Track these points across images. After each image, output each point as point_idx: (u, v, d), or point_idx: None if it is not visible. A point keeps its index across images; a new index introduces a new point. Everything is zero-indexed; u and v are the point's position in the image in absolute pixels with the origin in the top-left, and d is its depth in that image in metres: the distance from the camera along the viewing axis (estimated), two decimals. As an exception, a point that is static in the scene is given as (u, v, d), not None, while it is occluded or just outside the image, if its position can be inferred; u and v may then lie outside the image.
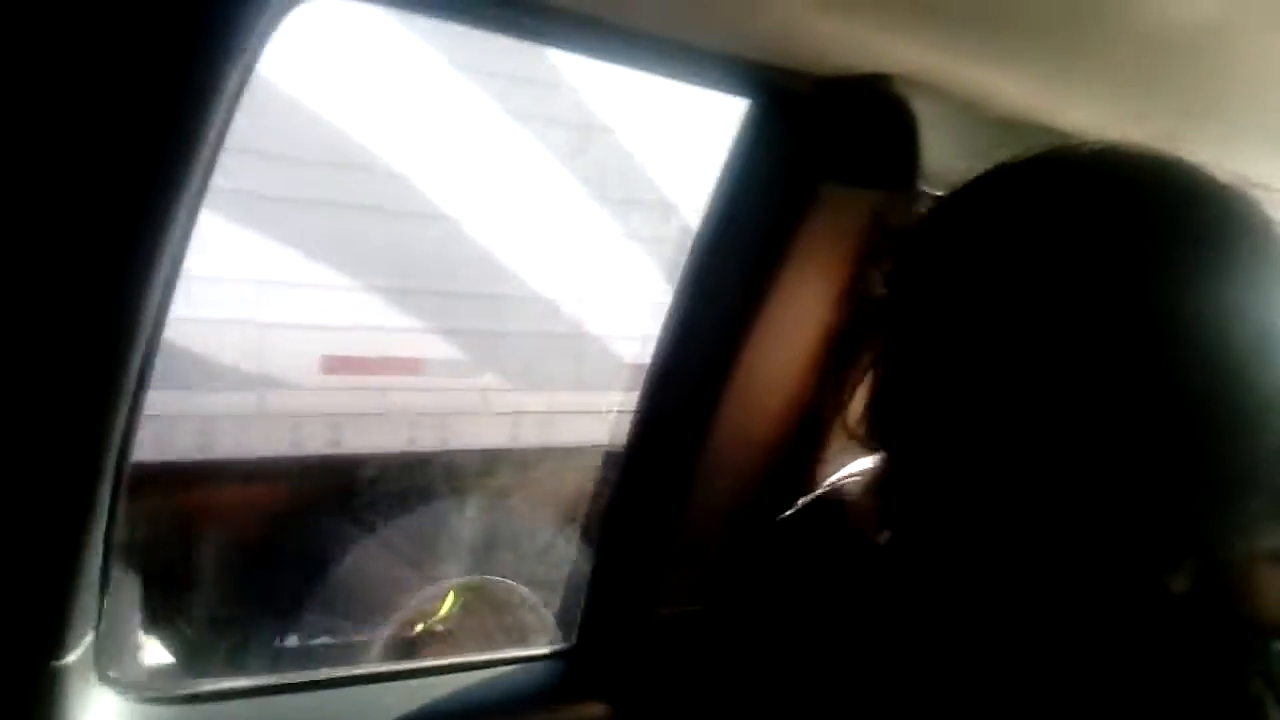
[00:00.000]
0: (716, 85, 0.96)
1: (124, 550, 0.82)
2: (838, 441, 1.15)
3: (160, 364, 0.73)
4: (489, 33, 0.85)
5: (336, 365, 3.52)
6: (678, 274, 1.12)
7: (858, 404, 0.76)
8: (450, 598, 3.51)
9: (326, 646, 3.31)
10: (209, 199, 0.70)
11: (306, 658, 3.25)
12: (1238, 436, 0.55)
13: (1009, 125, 0.98)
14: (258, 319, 3.35)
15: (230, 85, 0.64)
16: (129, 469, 0.77)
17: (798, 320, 1.12)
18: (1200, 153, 1.14)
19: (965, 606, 0.63)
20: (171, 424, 3.15)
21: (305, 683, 1.05)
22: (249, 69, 0.65)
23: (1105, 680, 0.59)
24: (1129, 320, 0.54)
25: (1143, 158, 0.62)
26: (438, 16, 0.77)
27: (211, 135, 0.65)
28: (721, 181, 1.08)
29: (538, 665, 1.18)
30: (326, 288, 3.44)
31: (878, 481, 0.77)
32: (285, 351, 3.43)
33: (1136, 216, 0.57)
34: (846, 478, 0.90)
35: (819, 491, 0.90)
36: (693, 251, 1.11)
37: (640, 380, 1.17)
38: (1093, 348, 0.55)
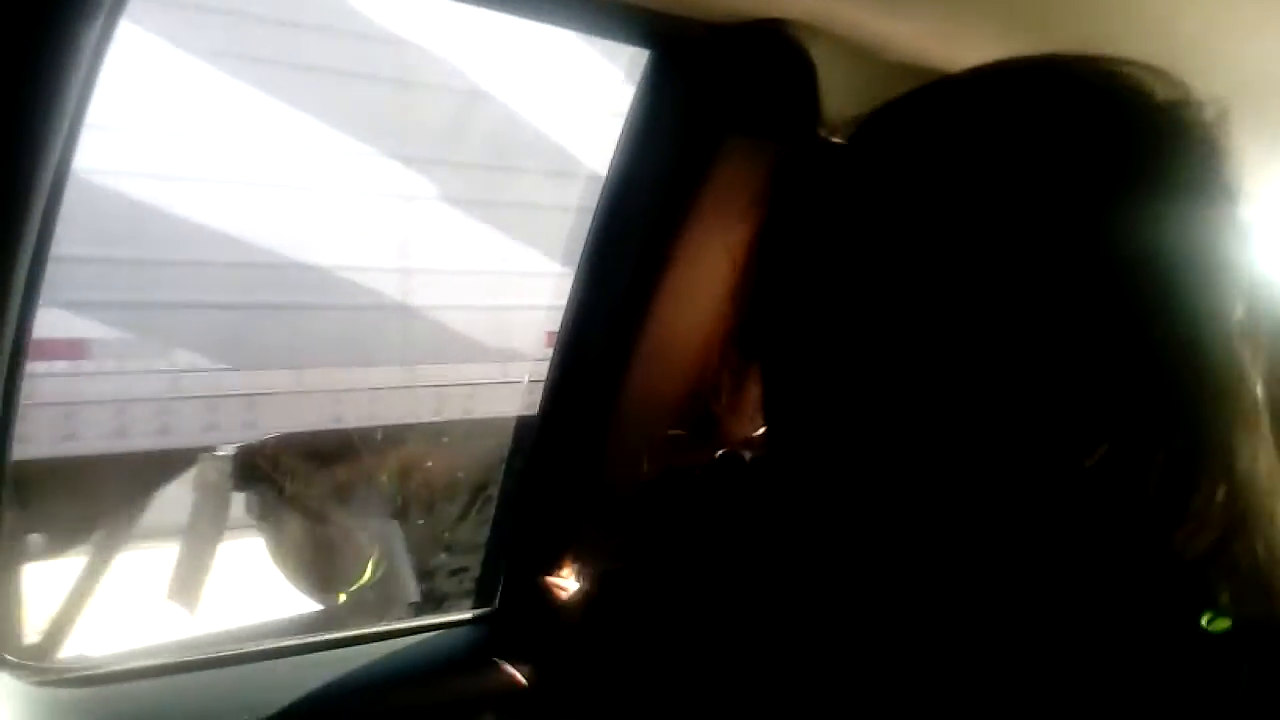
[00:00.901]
0: (613, 34, 0.94)
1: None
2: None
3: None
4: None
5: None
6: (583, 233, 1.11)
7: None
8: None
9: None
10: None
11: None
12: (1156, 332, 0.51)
13: (906, 69, 0.98)
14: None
15: (82, 65, 0.61)
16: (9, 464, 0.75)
17: (707, 271, 1.11)
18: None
19: (871, 521, 0.59)
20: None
21: (215, 659, 1.03)
22: (99, 56, 0.62)
23: (1018, 588, 0.56)
24: (1040, 220, 0.50)
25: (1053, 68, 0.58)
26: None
27: (68, 116, 0.62)
28: (625, 134, 1.06)
29: (459, 630, 1.17)
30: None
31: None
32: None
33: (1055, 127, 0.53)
34: (752, 438, 0.89)
35: (719, 454, 0.89)
36: (599, 206, 1.10)
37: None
38: (995, 244, 0.51)
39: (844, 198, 0.58)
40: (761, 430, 0.85)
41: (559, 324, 1.15)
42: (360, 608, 3.77)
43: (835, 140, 0.75)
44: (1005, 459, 0.53)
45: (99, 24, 0.65)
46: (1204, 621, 0.55)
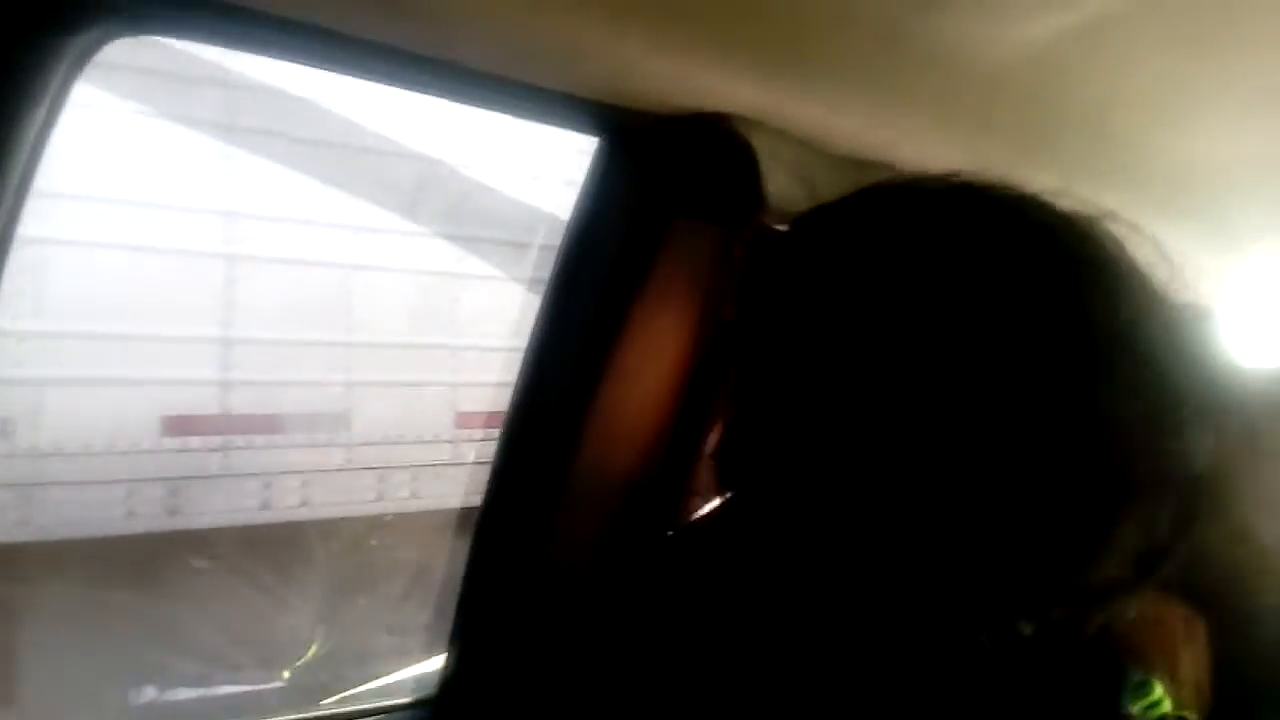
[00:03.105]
0: (562, 124, 0.96)
1: None
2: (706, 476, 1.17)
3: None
4: (330, 71, 0.84)
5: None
6: (532, 311, 1.12)
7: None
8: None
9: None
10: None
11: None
12: (1089, 481, 0.53)
13: (847, 161, 1.01)
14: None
15: (34, 125, 0.61)
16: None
17: (656, 353, 1.12)
18: (1033, 181, 1.20)
19: (813, 652, 0.62)
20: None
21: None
22: (56, 107, 0.63)
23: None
24: (971, 351, 0.53)
25: (976, 188, 0.62)
26: (265, 54, 0.75)
27: (14, 180, 0.62)
28: (575, 216, 1.08)
29: (399, 716, 1.15)
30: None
31: (721, 521, 0.76)
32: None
33: (974, 245, 0.56)
34: (712, 512, 0.91)
35: (673, 531, 0.91)
36: (550, 281, 1.11)
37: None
38: (935, 379, 0.53)
39: (795, 289, 0.60)
40: (710, 508, 0.87)
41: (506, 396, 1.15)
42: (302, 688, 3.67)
43: (778, 228, 0.79)
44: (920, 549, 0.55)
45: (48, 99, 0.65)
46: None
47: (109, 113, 3.28)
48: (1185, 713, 0.62)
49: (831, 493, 0.57)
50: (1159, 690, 0.61)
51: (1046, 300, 0.54)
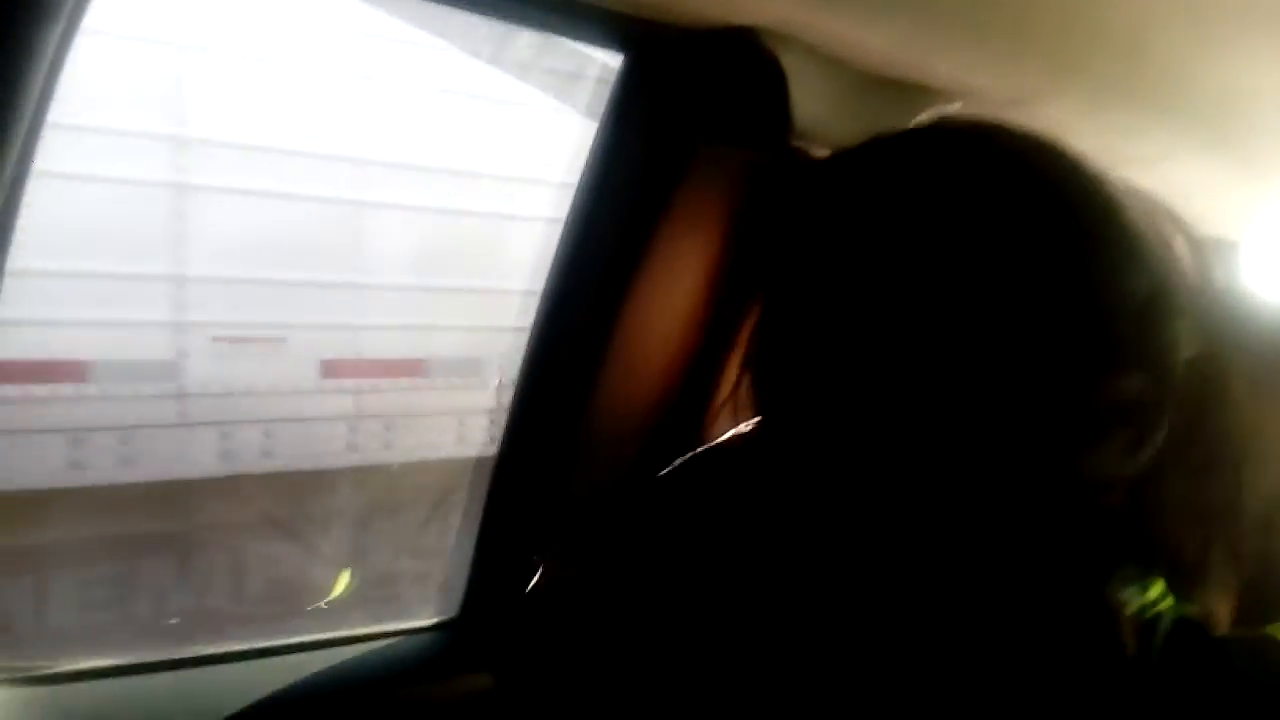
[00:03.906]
0: (585, 37, 0.94)
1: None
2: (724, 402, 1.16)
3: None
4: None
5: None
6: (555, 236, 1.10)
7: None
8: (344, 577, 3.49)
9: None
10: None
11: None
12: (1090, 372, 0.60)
13: (877, 79, 0.99)
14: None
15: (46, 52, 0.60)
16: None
17: (679, 278, 1.11)
18: (1064, 108, 1.17)
19: (855, 508, 0.65)
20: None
21: (175, 660, 1.01)
22: (69, 35, 0.61)
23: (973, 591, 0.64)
24: (990, 286, 0.60)
25: (1015, 138, 0.67)
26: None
27: (28, 106, 0.61)
28: (597, 137, 1.06)
29: (420, 637, 1.15)
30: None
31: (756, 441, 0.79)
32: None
33: (999, 197, 0.62)
34: (731, 437, 0.91)
35: (697, 451, 0.91)
36: (570, 210, 1.10)
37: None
38: (958, 311, 0.60)
39: (832, 222, 0.66)
40: (745, 426, 0.87)
41: (529, 324, 1.14)
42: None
43: (811, 153, 0.81)
44: (973, 453, 0.61)
45: (60, 26, 0.64)
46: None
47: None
48: (1191, 609, 0.64)
49: (862, 398, 0.62)
50: (1158, 588, 0.64)
51: (1042, 224, 0.62)
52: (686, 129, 1.00)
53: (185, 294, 3.77)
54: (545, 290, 1.12)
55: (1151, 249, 0.64)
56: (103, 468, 3.65)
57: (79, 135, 3.30)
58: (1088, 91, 1.14)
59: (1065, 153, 0.66)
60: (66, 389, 3.59)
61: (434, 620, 1.18)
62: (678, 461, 0.89)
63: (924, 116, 1.04)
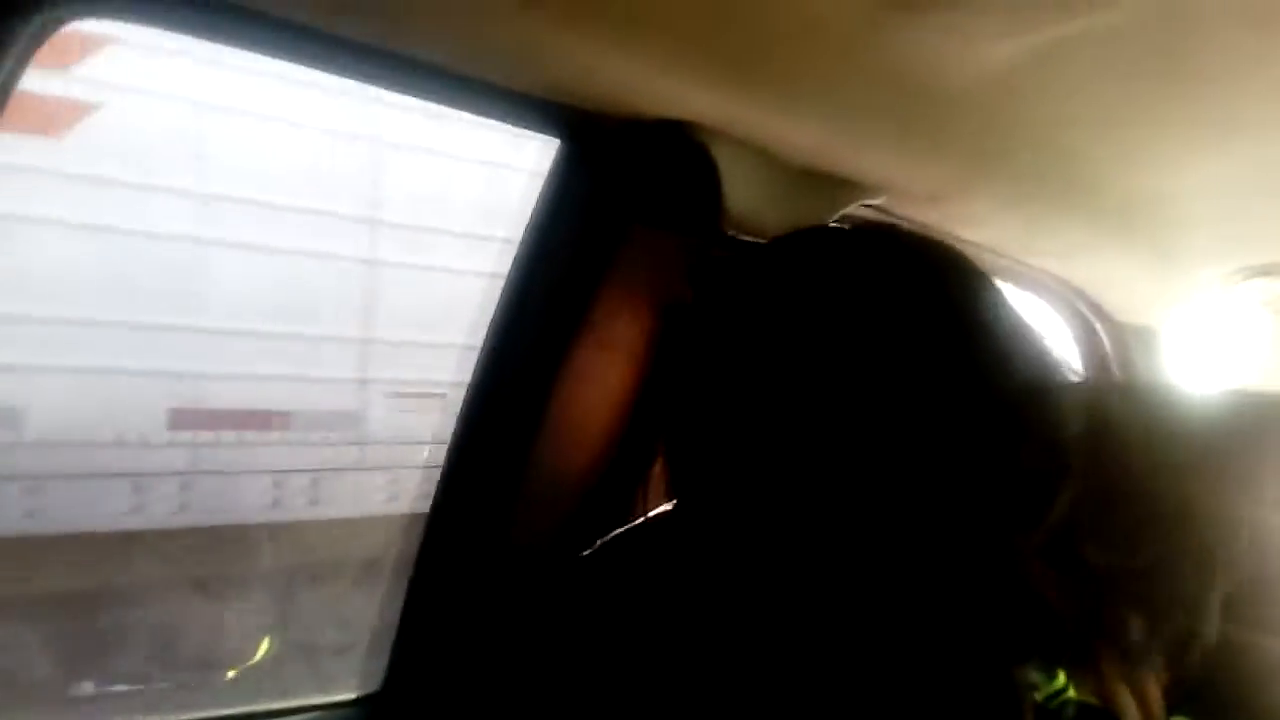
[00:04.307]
0: (522, 123, 0.96)
1: None
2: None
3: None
4: (286, 62, 0.83)
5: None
6: (489, 312, 1.11)
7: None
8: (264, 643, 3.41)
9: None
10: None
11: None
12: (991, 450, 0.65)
13: (805, 172, 1.02)
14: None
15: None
16: None
17: (611, 358, 1.13)
18: (983, 203, 1.22)
19: (768, 570, 0.68)
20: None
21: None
22: (6, 89, 0.62)
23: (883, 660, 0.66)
24: (878, 359, 0.65)
25: (914, 242, 0.75)
26: (219, 42, 0.74)
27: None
28: (533, 219, 1.08)
29: (342, 712, 1.14)
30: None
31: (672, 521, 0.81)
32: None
33: (897, 296, 0.68)
34: (652, 517, 0.93)
35: (620, 531, 0.92)
36: (507, 280, 1.11)
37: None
38: (857, 396, 0.65)
39: (757, 309, 0.71)
40: (665, 507, 0.89)
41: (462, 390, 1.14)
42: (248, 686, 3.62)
43: (738, 238, 0.85)
44: (876, 530, 0.64)
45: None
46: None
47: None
48: (1094, 699, 0.67)
49: (771, 490, 0.66)
50: (1061, 679, 0.67)
51: (935, 316, 0.68)
52: (620, 211, 1.03)
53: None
54: (482, 351, 1.13)
55: (1033, 337, 0.70)
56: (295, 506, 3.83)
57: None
58: (1006, 187, 1.18)
59: (958, 257, 0.72)
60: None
61: (356, 694, 1.16)
62: (601, 541, 0.90)
63: (848, 209, 1.07)
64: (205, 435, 3.90)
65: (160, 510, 3.80)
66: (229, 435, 3.94)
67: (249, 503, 3.95)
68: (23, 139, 3.40)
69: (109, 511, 3.68)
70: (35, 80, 3.32)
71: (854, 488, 0.64)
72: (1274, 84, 0.96)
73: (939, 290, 0.69)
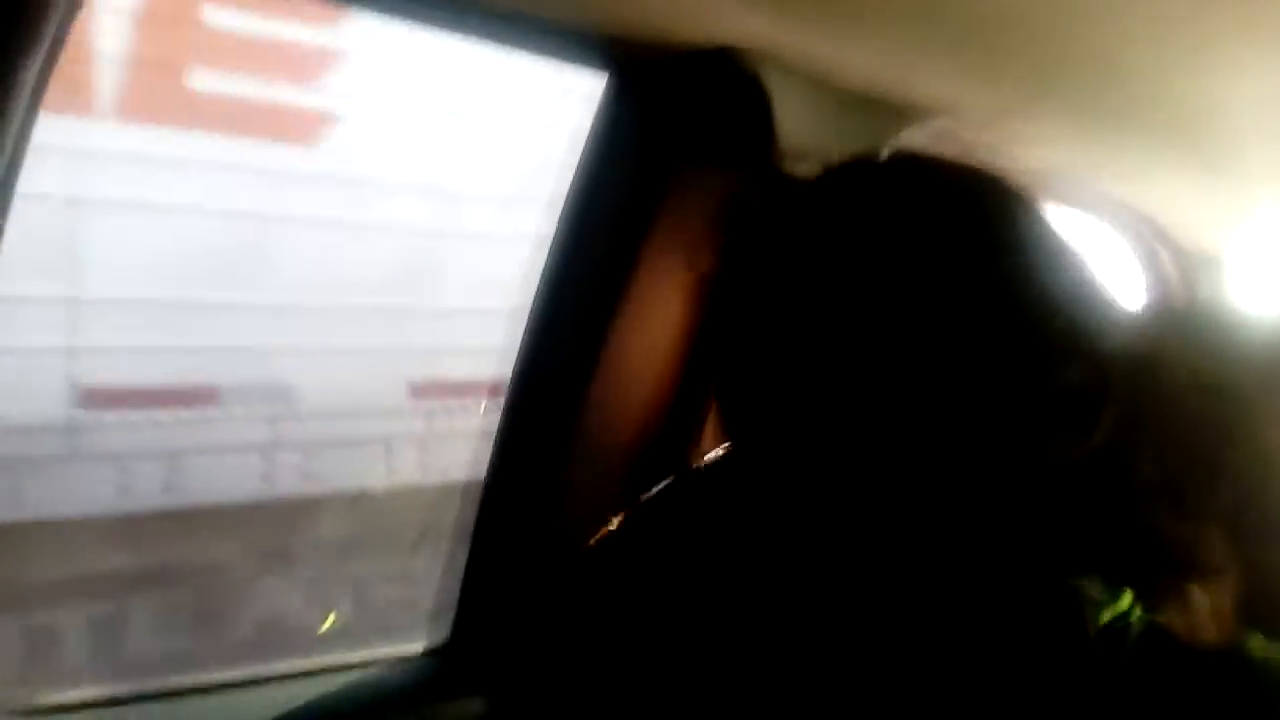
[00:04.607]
0: (569, 59, 0.94)
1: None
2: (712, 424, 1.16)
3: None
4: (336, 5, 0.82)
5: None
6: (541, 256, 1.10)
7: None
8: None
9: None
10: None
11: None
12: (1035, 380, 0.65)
13: (859, 98, 1.00)
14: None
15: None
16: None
17: (664, 299, 1.11)
18: (1043, 123, 1.18)
19: (828, 519, 0.68)
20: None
21: (162, 692, 1.00)
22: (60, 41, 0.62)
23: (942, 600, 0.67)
24: (930, 302, 0.64)
25: (963, 173, 0.73)
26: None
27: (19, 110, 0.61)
28: (582, 158, 1.06)
29: (411, 664, 1.14)
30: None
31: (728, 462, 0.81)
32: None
33: (941, 228, 0.67)
34: (707, 461, 0.92)
35: (677, 476, 0.92)
36: (557, 230, 1.10)
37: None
38: (904, 325, 0.64)
39: (789, 251, 0.70)
40: (719, 450, 0.88)
41: (515, 346, 1.14)
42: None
43: (790, 177, 0.84)
44: (930, 452, 0.65)
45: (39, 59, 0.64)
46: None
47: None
48: (1160, 618, 0.68)
49: (822, 424, 0.66)
50: (1127, 599, 0.68)
51: (974, 248, 0.67)
52: (670, 150, 1.01)
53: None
54: (531, 310, 1.12)
55: (1076, 262, 0.69)
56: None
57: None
58: (1065, 107, 1.15)
59: (999, 185, 0.71)
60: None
61: (425, 646, 1.17)
62: (659, 486, 0.90)
63: (905, 134, 1.05)
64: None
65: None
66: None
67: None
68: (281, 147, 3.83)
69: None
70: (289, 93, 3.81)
71: (900, 414, 0.64)
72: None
73: (978, 221, 0.69)
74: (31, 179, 0.69)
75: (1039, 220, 0.70)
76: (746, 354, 0.71)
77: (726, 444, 0.86)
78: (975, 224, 0.68)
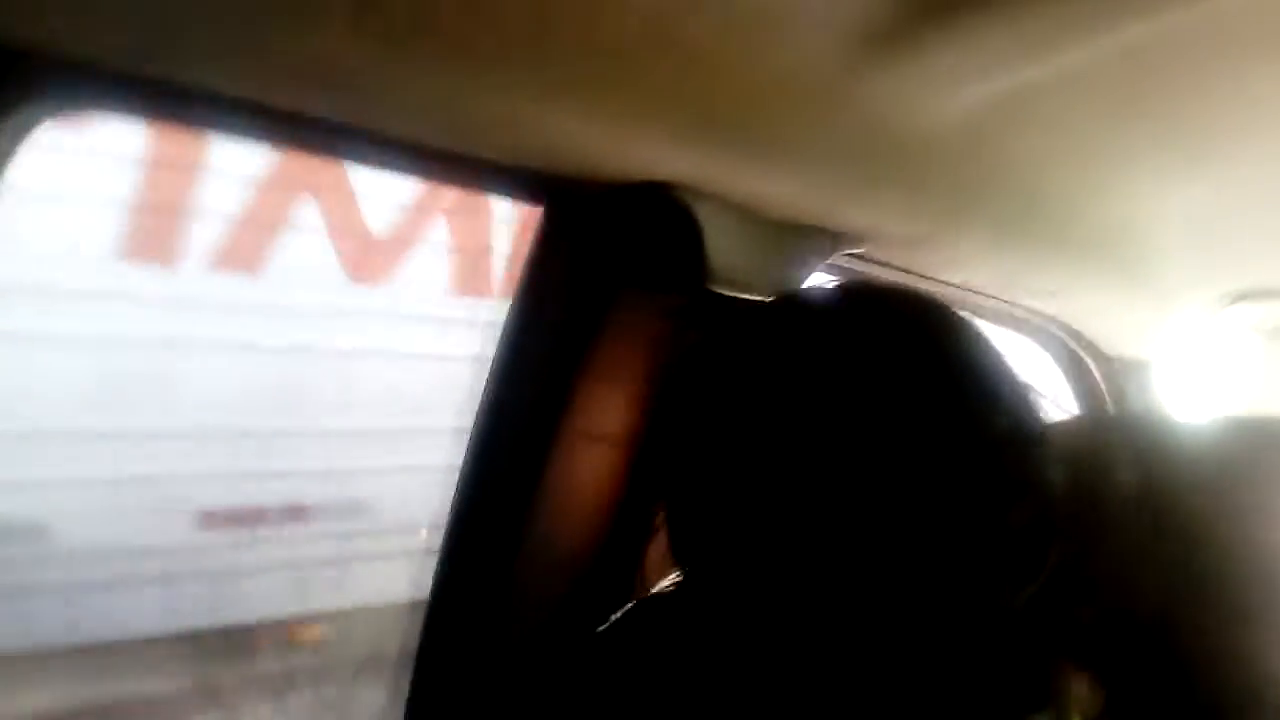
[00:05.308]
0: (506, 193, 0.97)
1: None
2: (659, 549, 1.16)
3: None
4: (268, 145, 0.84)
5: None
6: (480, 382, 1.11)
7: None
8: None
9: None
10: None
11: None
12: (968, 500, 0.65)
13: (785, 225, 1.03)
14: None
15: None
16: None
17: (606, 420, 1.12)
18: (965, 246, 1.23)
19: (780, 640, 0.68)
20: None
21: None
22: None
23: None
24: (880, 437, 0.65)
25: (905, 302, 0.75)
26: (202, 130, 0.75)
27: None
28: (521, 284, 1.08)
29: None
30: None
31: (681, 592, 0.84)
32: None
33: (889, 362, 0.69)
34: (663, 588, 0.92)
35: (633, 604, 0.92)
36: (496, 353, 1.11)
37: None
38: (852, 460, 0.65)
39: (739, 381, 0.72)
40: (673, 577, 0.88)
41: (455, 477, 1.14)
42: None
43: (728, 295, 0.86)
44: (875, 591, 0.64)
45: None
46: None
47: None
48: None
49: (771, 553, 0.66)
50: None
51: (919, 375, 0.69)
52: (606, 276, 1.03)
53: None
54: (472, 436, 1.12)
55: (1017, 384, 0.70)
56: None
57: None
58: (986, 229, 1.20)
59: (948, 315, 0.73)
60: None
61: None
62: (616, 615, 0.90)
63: (832, 259, 1.08)
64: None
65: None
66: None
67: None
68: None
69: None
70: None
71: (853, 552, 0.65)
72: (1235, 112, 0.98)
73: (922, 349, 0.70)
74: None
75: (980, 343, 0.72)
76: (694, 476, 0.72)
77: (676, 571, 0.87)
78: (920, 352, 0.69)
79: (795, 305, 0.79)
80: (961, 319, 0.73)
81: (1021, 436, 0.68)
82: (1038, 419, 0.70)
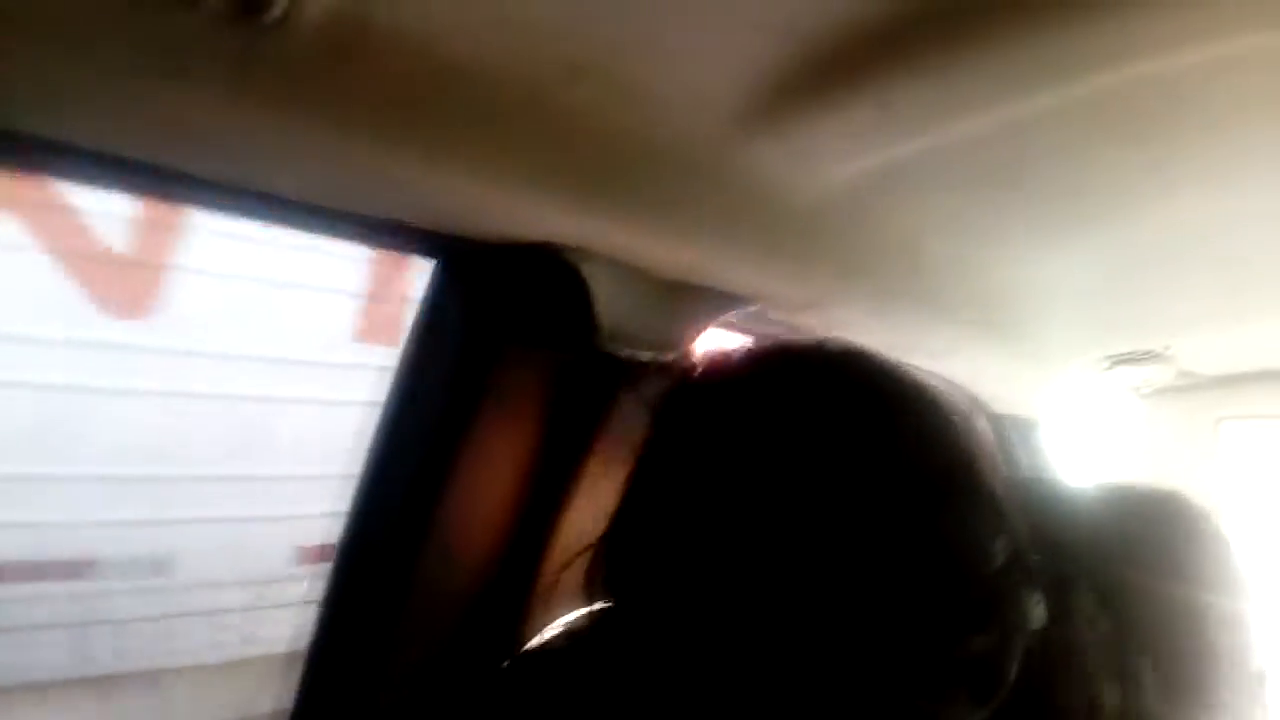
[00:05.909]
0: (396, 248, 0.97)
1: None
2: (548, 595, 1.15)
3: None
4: (151, 200, 0.83)
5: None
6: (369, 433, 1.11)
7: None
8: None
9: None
10: None
11: None
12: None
13: (675, 285, 1.05)
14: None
15: None
16: None
17: (493, 476, 1.12)
18: (853, 310, 1.26)
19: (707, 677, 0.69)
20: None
21: None
22: None
23: None
24: (825, 487, 0.66)
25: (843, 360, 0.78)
26: (82, 184, 0.75)
27: None
28: (411, 336, 1.08)
29: None
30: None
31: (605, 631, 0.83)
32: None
33: (826, 407, 0.72)
34: (575, 622, 0.92)
35: (527, 647, 0.91)
36: (385, 403, 1.10)
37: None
38: (805, 513, 0.66)
39: (702, 436, 0.75)
40: (582, 615, 0.88)
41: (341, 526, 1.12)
42: None
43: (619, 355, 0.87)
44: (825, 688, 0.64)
45: None
46: None
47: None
48: None
49: (720, 604, 0.67)
50: None
51: (885, 446, 0.69)
52: (495, 331, 1.04)
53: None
54: (359, 486, 1.11)
55: (1009, 510, 0.69)
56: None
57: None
58: (873, 293, 1.23)
59: (928, 400, 0.73)
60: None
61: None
62: (530, 646, 0.90)
63: (723, 319, 1.10)
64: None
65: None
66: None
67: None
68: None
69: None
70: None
71: (806, 633, 0.65)
72: (1108, 184, 1.03)
73: (911, 443, 0.70)
74: None
75: (987, 472, 0.71)
76: (647, 523, 0.74)
77: (596, 607, 0.86)
78: (915, 455, 0.70)
79: (776, 364, 0.81)
80: (967, 430, 0.73)
81: (1006, 568, 0.67)
82: (1025, 553, 0.69)
